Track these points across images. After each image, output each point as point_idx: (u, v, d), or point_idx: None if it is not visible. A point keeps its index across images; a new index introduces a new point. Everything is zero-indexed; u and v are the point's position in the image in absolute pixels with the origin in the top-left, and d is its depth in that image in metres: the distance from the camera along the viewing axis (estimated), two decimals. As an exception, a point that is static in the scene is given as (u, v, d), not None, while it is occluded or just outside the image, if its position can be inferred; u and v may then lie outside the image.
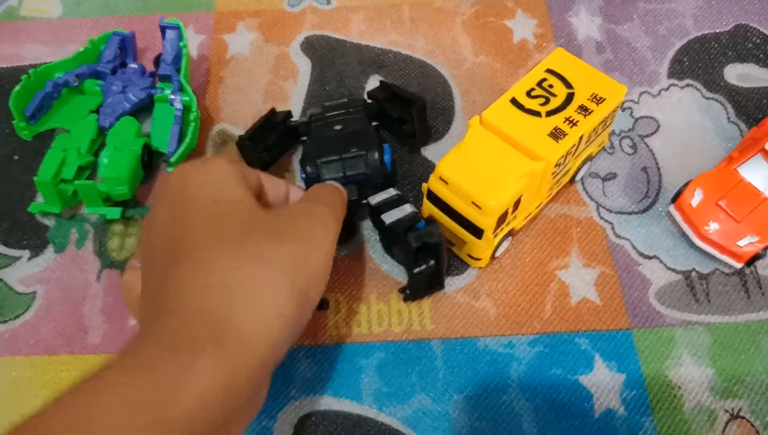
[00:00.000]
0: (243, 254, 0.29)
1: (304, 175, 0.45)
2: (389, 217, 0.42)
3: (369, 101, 0.49)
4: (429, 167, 0.50)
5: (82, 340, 0.44)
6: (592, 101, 0.42)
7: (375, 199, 0.43)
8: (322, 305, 0.41)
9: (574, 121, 0.42)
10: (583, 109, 0.42)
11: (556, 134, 0.41)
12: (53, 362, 0.43)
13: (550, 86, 0.43)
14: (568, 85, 0.43)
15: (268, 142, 0.48)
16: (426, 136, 0.50)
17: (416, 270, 0.41)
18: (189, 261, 0.29)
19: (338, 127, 0.47)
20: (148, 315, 0.30)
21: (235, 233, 0.30)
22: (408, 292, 0.43)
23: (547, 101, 0.43)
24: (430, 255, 0.41)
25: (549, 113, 0.42)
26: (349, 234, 0.47)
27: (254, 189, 0.35)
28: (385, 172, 0.45)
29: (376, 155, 0.44)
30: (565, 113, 0.42)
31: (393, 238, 0.45)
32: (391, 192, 0.44)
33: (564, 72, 0.44)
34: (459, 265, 0.46)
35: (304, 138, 0.48)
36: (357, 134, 0.46)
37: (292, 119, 0.50)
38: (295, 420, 0.41)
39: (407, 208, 0.42)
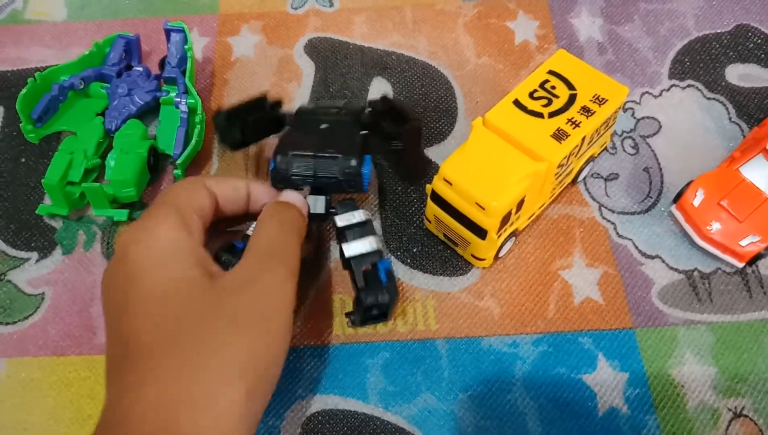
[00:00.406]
0: (190, 357, 0.29)
1: (273, 166, 0.41)
2: (350, 250, 0.40)
3: (367, 109, 0.45)
4: (433, 168, 0.50)
5: (90, 341, 0.44)
6: (594, 102, 0.43)
7: (341, 221, 0.41)
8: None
9: (576, 122, 0.42)
10: (586, 110, 0.42)
11: (559, 135, 0.41)
12: (62, 363, 0.44)
13: (553, 87, 0.44)
14: (571, 87, 0.44)
15: (247, 122, 0.45)
16: (421, 170, 0.49)
17: (367, 302, 0.39)
18: (134, 370, 0.29)
19: (324, 126, 0.44)
20: (109, 397, 0.30)
21: (182, 328, 0.30)
22: (353, 317, 0.41)
23: (550, 102, 0.43)
24: (380, 293, 0.39)
25: (551, 114, 0.42)
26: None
27: (206, 219, 0.36)
28: (359, 184, 0.41)
29: (354, 162, 0.40)
30: (568, 114, 0.42)
31: (347, 265, 0.41)
32: (360, 216, 0.41)
33: (566, 73, 0.44)
34: (463, 266, 0.46)
35: (288, 127, 0.45)
36: (340, 136, 0.43)
37: (282, 109, 0.47)
38: (302, 419, 0.41)
39: (372, 243, 0.41)
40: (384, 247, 0.44)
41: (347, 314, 0.42)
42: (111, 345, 0.32)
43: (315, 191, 0.42)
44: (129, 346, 0.30)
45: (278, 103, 0.47)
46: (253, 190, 0.39)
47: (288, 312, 0.33)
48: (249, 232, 0.39)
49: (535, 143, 0.41)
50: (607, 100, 0.43)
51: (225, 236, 0.40)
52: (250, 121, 0.45)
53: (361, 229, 0.41)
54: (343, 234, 0.41)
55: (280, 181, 0.41)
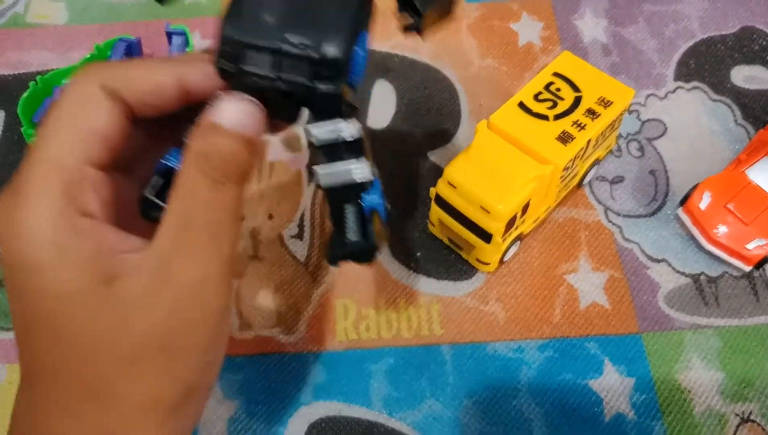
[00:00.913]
0: (84, 393, 0.24)
1: (216, 48, 0.26)
2: (325, 178, 0.29)
3: None
4: (437, 171, 0.50)
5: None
6: (599, 104, 0.43)
7: (316, 131, 0.28)
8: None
9: (582, 125, 0.42)
10: (591, 113, 0.42)
11: (564, 138, 0.41)
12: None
13: (558, 90, 0.43)
14: (576, 89, 0.43)
15: None
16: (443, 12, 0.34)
17: (335, 251, 0.31)
18: (33, 393, 0.25)
19: None
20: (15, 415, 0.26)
21: (73, 359, 0.24)
22: (326, 255, 0.32)
23: (555, 105, 0.43)
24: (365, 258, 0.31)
25: (557, 117, 0.42)
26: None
27: (114, 144, 0.26)
28: (343, 77, 0.26)
29: (336, 48, 0.25)
30: (573, 117, 0.42)
31: (332, 213, 0.30)
32: (342, 128, 0.27)
33: (571, 75, 0.44)
34: (468, 270, 0.46)
35: None
36: (321, 2, 0.26)
37: None
38: (305, 426, 0.41)
39: (357, 171, 0.28)
40: (375, 172, 0.30)
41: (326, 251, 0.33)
42: (18, 353, 0.26)
43: (281, 98, 0.27)
44: (25, 365, 0.26)
45: None
46: (188, 82, 0.27)
47: (210, 325, 0.26)
48: None
49: (541, 146, 0.41)
50: (612, 102, 0.43)
51: (156, 147, 0.30)
52: None
53: (348, 149, 0.28)
54: (322, 153, 0.29)
55: (227, 78, 0.27)
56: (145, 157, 0.29)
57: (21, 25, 0.60)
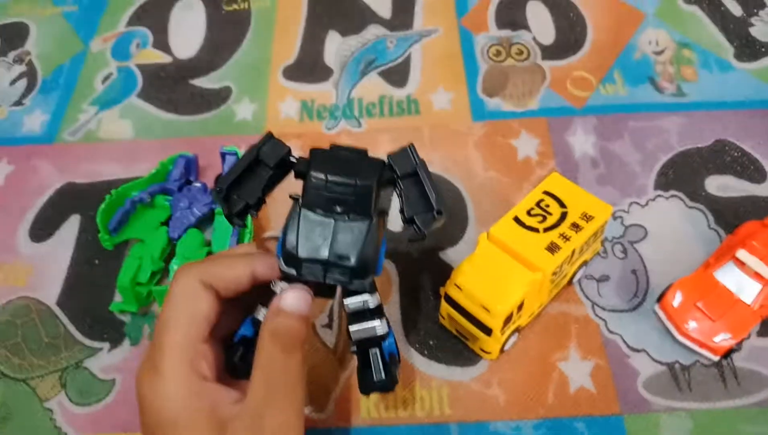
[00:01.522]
0: None
1: (279, 254, 0.39)
2: (356, 333, 0.41)
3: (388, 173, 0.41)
4: (446, 269, 0.58)
5: (153, 422, 0.52)
6: (582, 219, 0.51)
7: (350, 304, 0.40)
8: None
9: (567, 237, 0.50)
10: (575, 226, 0.50)
11: (552, 248, 0.49)
12: (129, 441, 0.51)
13: (547, 206, 0.52)
14: (562, 205, 0.52)
15: (249, 194, 0.41)
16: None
17: (366, 386, 0.42)
18: None
19: (339, 209, 0.38)
20: None
21: None
22: (360, 388, 0.43)
23: (544, 219, 0.51)
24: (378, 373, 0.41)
25: (546, 230, 0.50)
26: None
27: (212, 323, 0.37)
28: (372, 283, 0.40)
29: (368, 261, 0.38)
30: (560, 230, 0.50)
31: (357, 355, 0.42)
32: (368, 300, 0.40)
33: (558, 193, 0.52)
34: (473, 358, 0.53)
35: (294, 196, 0.40)
36: (354, 230, 0.38)
37: (292, 156, 0.42)
38: (333, 494, 0.48)
39: (377, 328, 0.41)
40: (388, 328, 0.41)
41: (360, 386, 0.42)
42: None
43: (333, 289, 0.41)
44: None
45: (288, 152, 0.42)
46: (258, 273, 0.39)
47: None
48: (259, 316, 0.40)
49: (532, 255, 0.49)
50: (593, 217, 0.51)
51: (233, 314, 0.41)
52: (256, 186, 0.41)
53: (371, 312, 0.40)
54: (352, 318, 0.41)
55: (287, 276, 0.39)
56: (223, 321, 0.39)
57: (93, 140, 0.71)
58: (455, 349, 0.54)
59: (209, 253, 0.58)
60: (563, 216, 0.51)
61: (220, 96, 0.74)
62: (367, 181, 0.38)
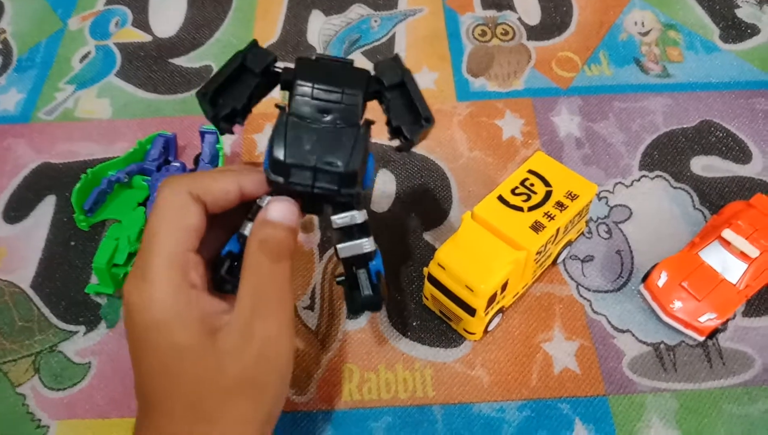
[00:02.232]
0: (197, 422, 0.34)
1: (266, 167, 0.37)
2: (344, 251, 0.40)
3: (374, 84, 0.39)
4: (430, 250, 0.57)
5: (131, 405, 0.51)
6: (567, 198, 0.50)
7: (338, 220, 0.39)
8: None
9: (551, 216, 0.49)
10: (560, 205, 0.50)
11: (536, 227, 0.48)
12: (105, 425, 0.50)
13: (531, 185, 0.51)
14: (547, 184, 0.51)
15: (235, 98, 0.39)
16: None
17: (355, 304, 0.41)
18: (150, 426, 0.34)
19: (327, 117, 0.38)
20: None
21: (186, 394, 0.34)
22: (347, 308, 0.46)
23: (529, 198, 0.50)
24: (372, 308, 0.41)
25: (530, 208, 0.50)
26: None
27: (201, 234, 0.36)
28: (360, 190, 0.38)
29: (355, 171, 0.36)
30: (544, 208, 0.49)
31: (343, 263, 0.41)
32: (356, 216, 0.39)
33: (543, 172, 0.52)
34: (457, 339, 0.52)
35: (281, 105, 0.39)
36: (341, 137, 0.37)
37: (277, 65, 0.40)
38: (314, 476, 0.47)
39: (366, 246, 0.40)
40: (375, 246, 0.41)
41: (347, 303, 0.42)
42: (136, 390, 0.36)
43: (320, 204, 0.39)
44: (145, 400, 0.35)
45: (273, 59, 0.40)
46: (245, 188, 0.37)
47: (283, 366, 0.36)
48: (245, 232, 0.38)
49: (516, 234, 0.48)
50: (578, 196, 0.50)
51: (219, 234, 0.39)
52: (240, 95, 0.39)
53: (359, 231, 0.40)
54: (341, 234, 0.40)
55: (275, 189, 0.38)
56: (210, 240, 0.38)
57: (70, 119, 0.69)
58: (438, 330, 0.53)
59: (188, 234, 0.56)
60: (548, 195, 0.50)
61: (201, 75, 0.72)
62: (353, 90, 0.38)
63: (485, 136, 0.65)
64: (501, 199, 0.50)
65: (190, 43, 0.75)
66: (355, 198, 0.39)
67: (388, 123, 0.40)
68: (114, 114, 0.70)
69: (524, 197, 0.50)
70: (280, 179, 0.37)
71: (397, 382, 0.51)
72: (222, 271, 0.39)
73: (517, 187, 0.51)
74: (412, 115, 0.39)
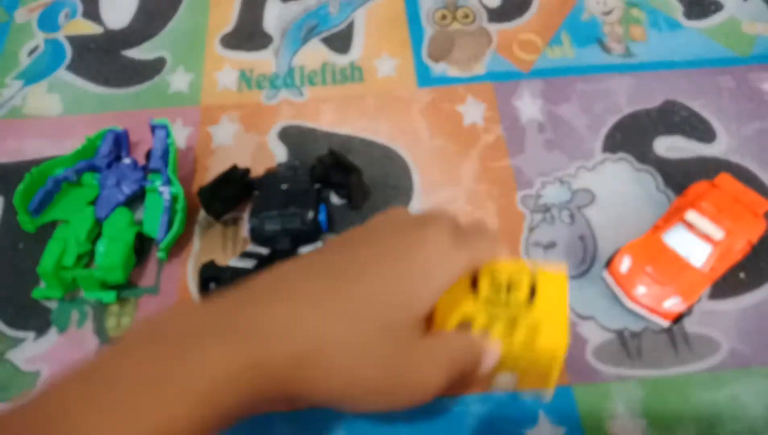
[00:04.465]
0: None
1: (250, 227, 0.54)
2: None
3: (316, 165, 0.57)
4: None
5: (82, 413, 0.49)
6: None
7: (303, 250, 0.53)
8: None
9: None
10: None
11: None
12: (56, 434, 0.48)
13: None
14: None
15: (225, 195, 0.56)
16: (362, 198, 0.58)
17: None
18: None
19: (284, 187, 0.55)
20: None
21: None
22: None
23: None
24: None
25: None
26: None
27: None
28: (318, 229, 0.54)
29: (311, 214, 0.53)
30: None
31: None
32: (318, 245, 0.53)
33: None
34: (418, 332, 0.51)
35: (256, 192, 0.56)
36: (298, 193, 0.55)
37: (250, 175, 0.58)
38: (273, 479, 0.46)
39: None
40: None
41: None
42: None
43: (288, 242, 0.53)
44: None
45: (247, 171, 0.58)
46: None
47: (416, 394, 0.37)
48: (248, 248, 0.53)
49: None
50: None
51: None
52: (228, 191, 0.56)
53: None
54: None
55: (258, 238, 0.53)
56: None
57: (18, 117, 0.67)
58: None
59: (138, 233, 0.54)
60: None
61: (154, 67, 0.70)
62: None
63: (446, 122, 0.63)
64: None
65: (142, 34, 0.72)
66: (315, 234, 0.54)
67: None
68: (65, 109, 0.67)
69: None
70: (258, 225, 0.54)
71: (358, 379, 0.49)
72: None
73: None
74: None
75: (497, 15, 0.71)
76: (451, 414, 0.47)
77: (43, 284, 0.54)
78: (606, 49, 0.68)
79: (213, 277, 0.48)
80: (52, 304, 0.54)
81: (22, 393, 0.50)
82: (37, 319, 0.53)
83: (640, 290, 0.50)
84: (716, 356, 0.50)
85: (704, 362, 0.49)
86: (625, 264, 0.51)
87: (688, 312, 0.51)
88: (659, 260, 0.51)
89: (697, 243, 0.51)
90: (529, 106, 0.64)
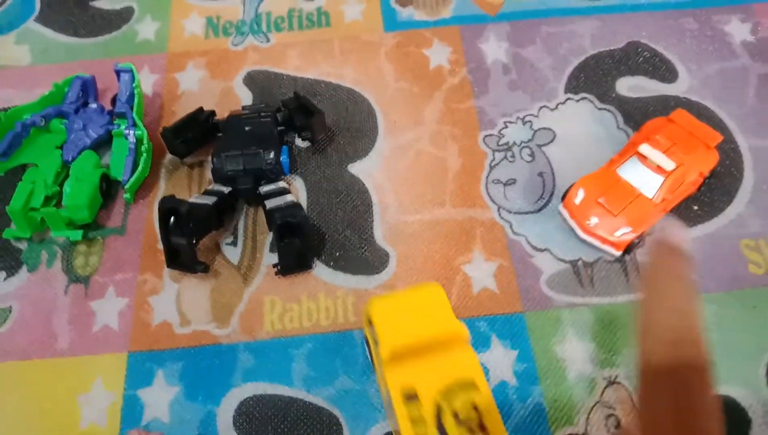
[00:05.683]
0: None
1: (212, 167, 0.55)
2: (270, 203, 0.52)
3: (281, 108, 0.58)
4: (356, 182, 0.57)
5: (51, 346, 0.50)
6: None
7: (264, 188, 0.54)
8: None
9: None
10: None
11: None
12: (27, 366, 0.50)
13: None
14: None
15: (188, 136, 0.57)
16: (325, 141, 0.60)
17: (281, 243, 0.51)
18: None
19: (248, 128, 0.56)
20: None
21: None
22: (279, 267, 0.51)
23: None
24: (295, 235, 0.51)
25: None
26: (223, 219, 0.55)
27: None
28: (279, 170, 0.55)
29: (272, 155, 0.54)
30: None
31: (270, 221, 0.53)
32: (279, 184, 0.54)
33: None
34: (378, 266, 0.53)
35: (220, 134, 0.57)
36: (261, 135, 0.56)
37: (215, 118, 0.59)
38: (236, 403, 0.47)
39: (287, 198, 0.53)
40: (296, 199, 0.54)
41: (274, 265, 0.52)
42: None
43: (250, 181, 0.54)
44: None
45: (212, 113, 0.59)
46: None
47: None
48: (210, 187, 0.54)
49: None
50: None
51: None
52: (191, 133, 0.57)
53: (280, 192, 0.54)
54: (266, 196, 0.53)
55: (220, 178, 0.55)
56: None
57: (-12, 67, 0.67)
58: (361, 259, 0.53)
59: (104, 175, 0.55)
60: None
61: (122, 16, 0.70)
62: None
63: (412, 65, 0.64)
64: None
65: (111, -16, 0.73)
66: (277, 172, 0.55)
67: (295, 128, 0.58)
68: (33, 60, 0.68)
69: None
70: (219, 165, 0.54)
71: (319, 311, 0.51)
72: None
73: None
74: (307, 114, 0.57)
75: (465, -41, 0.71)
76: (407, 341, 0.49)
77: (13, 226, 0.55)
78: (572, -9, 0.68)
79: (171, 210, 0.49)
80: (23, 245, 0.55)
81: (-7, 327, 0.52)
82: (8, 259, 0.55)
83: (593, 221, 0.51)
84: (667, 284, 0.51)
85: (655, 290, 0.51)
86: (579, 196, 0.52)
87: (641, 242, 0.52)
88: (612, 192, 0.52)
89: (649, 174, 0.52)
90: (494, 48, 0.64)
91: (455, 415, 0.38)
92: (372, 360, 0.46)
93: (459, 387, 0.40)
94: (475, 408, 0.39)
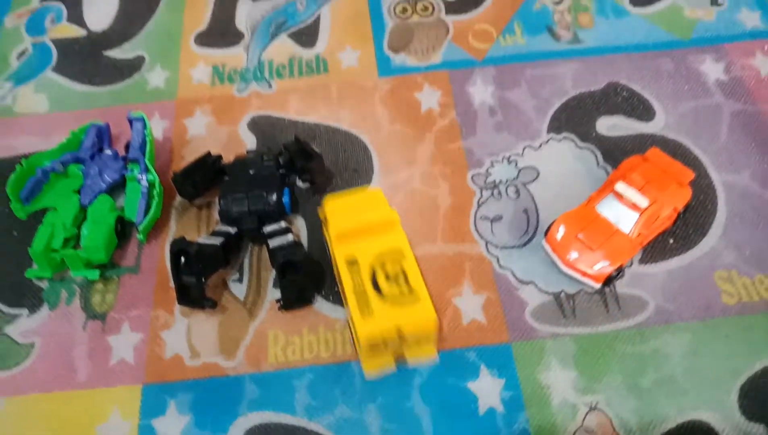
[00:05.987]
0: None
1: (219, 209, 0.59)
2: (273, 242, 0.56)
3: (282, 152, 0.62)
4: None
5: (71, 379, 0.54)
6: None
7: (267, 228, 0.58)
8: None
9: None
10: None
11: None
12: (48, 398, 0.53)
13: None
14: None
15: (197, 180, 0.61)
16: (324, 183, 0.64)
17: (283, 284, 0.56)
18: None
19: (252, 171, 0.60)
20: None
21: None
22: (281, 302, 0.56)
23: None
24: (296, 272, 0.54)
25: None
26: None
27: None
28: (281, 210, 0.59)
29: (274, 197, 0.58)
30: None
31: (273, 260, 0.56)
32: (282, 224, 0.58)
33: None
34: (374, 299, 0.56)
35: (226, 177, 0.61)
36: (264, 178, 0.60)
37: (222, 162, 0.63)
38: (242, 432, 0.51)
39: (289, 237, 0.56)
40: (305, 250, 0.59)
41: (277, 300, 0.56)
42: None
43: (255, 221, 0.58)
44: None
45: (219, 157, 0.63)
46: None
47: None
48: (217, 227, 0.58)
49: None
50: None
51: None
52: (200, 177, 0.61)
53: (283, 232, 0.57)
54: (269, 236, 0.57)
55: (226, 218, 0.59)
56: None
57: (9, 115, 0.72)
58: (358, 292, 0.57)
59: (119, 217, 0.60)
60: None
61: (134, 65, 0.75)
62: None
63: (405, 109, 0.68)
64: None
65: (122, 35, 0.78)
66: (280, 214, 0.59)
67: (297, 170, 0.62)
68: (51, 107, 0.72)
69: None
70: (226, 207, 0.58)
71: (319, 343, 0.55)
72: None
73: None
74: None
75: (454, 7, 0.76)
76: (401, 372, 0.53)
77: (35, 266, 0.59)
78: (555, 36, 0.72)
79: (181, 251, 0.53)
80: (44, 284, 0.59)
81: (16, 362, 0.55)
82: (30, 298, 0.59)
83: (573, 255, 0.55)
84: (643, 314, 0.54)
85: (632, 320, 0.54)
86: (560, 232, 0.56)
87: (619, 274, 0.56)
88: (591, 228, 0.56)
89: (625, 211, 0.55)
90: (481, 91, 0.68)
91: (386, 275, 0.52)
92: (329, 248, 0.57)
93: (389, 255, 0.53)
94: (403, 271, 0.52)
